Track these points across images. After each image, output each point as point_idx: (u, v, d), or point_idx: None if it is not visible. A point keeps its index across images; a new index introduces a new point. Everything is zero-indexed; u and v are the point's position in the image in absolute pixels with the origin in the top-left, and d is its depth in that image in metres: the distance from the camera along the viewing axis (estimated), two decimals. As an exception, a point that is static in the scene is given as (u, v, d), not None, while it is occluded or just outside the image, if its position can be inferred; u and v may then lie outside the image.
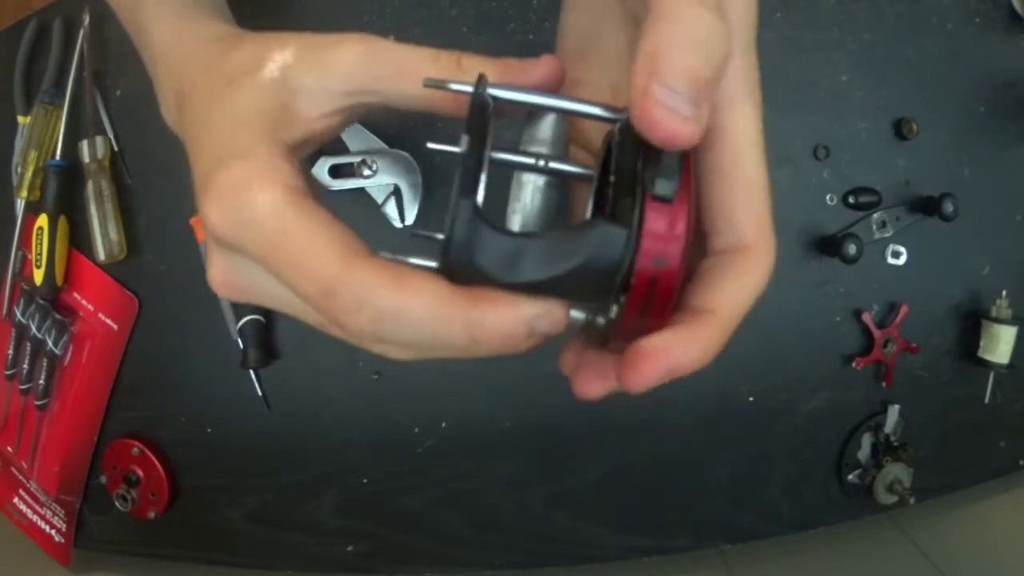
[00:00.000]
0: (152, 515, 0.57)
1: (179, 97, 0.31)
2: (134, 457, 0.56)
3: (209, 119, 0.28)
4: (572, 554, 0.56)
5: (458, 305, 0.22)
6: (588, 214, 0.27)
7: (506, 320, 0.22)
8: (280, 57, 0.28)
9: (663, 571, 0.57)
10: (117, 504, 0.57)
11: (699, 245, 0.26)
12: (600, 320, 0.24)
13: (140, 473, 0.56)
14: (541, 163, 0.26)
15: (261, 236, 0.24)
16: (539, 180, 0.26)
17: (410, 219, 0.50)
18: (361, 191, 0.50)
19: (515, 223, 0.26)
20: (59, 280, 0.55)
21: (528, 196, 0.26)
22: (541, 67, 0.26)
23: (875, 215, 0.53)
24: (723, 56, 0.23)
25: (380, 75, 0.28)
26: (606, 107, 0.25)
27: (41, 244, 0.53)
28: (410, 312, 0.22)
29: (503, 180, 0.26)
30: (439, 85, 0.25)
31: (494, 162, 0.25)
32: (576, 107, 0.25)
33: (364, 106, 0.29)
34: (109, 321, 0.56)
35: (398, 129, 0.51)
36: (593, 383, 0.25)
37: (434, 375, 0.54)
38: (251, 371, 0.53)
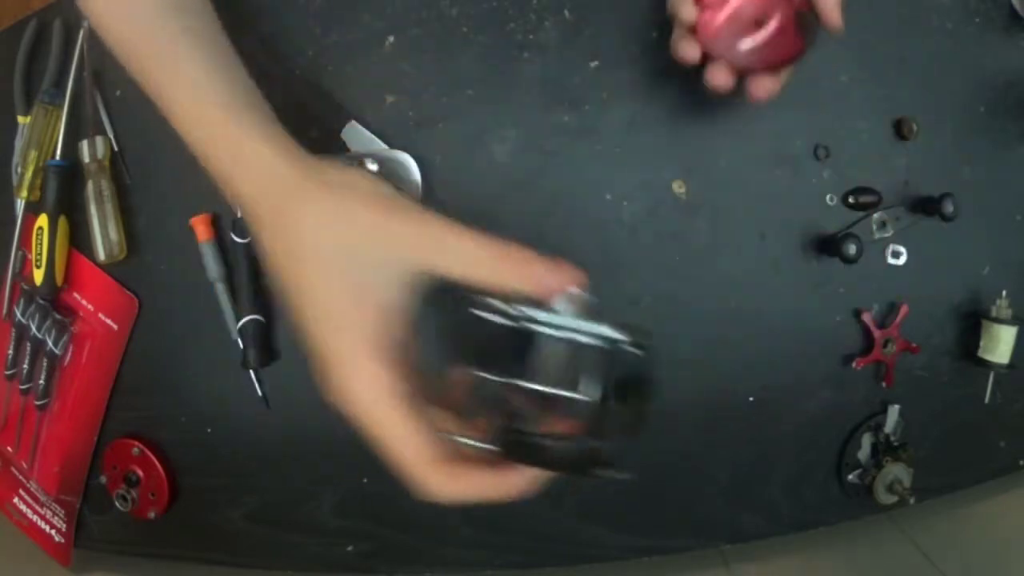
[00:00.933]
0: (152, 515, 0.57)
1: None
2: (134, 457, 0.56)
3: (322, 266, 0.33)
4: (572, 554, 0.56)
5: None
6: None
7: None
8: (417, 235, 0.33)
9: (663, 571, 0.57)
10: (117, 504, 0.57)
11: None
12: None
13: (140, 473, 0.56)
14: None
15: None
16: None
17: (410, 219, 0.50)
18: (361, 191, 0.50)
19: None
20: (59, 280, 0.55)
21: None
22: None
23: (875, 215, 0.53)
24: None
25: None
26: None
27: (41, 244, 0.53)
28: None
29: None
30: None
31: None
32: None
33: None
34: (109, 321, 0.56)
35: (398, 129, 0.51)
36: None
37: (434, 375, 0.54)
38: (251, 371, 0.53)
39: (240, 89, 0.38)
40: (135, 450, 0.56)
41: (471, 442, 0.31)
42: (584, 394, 0.29)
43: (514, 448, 0.30)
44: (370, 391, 0.32)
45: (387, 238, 0.32)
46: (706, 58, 0.42)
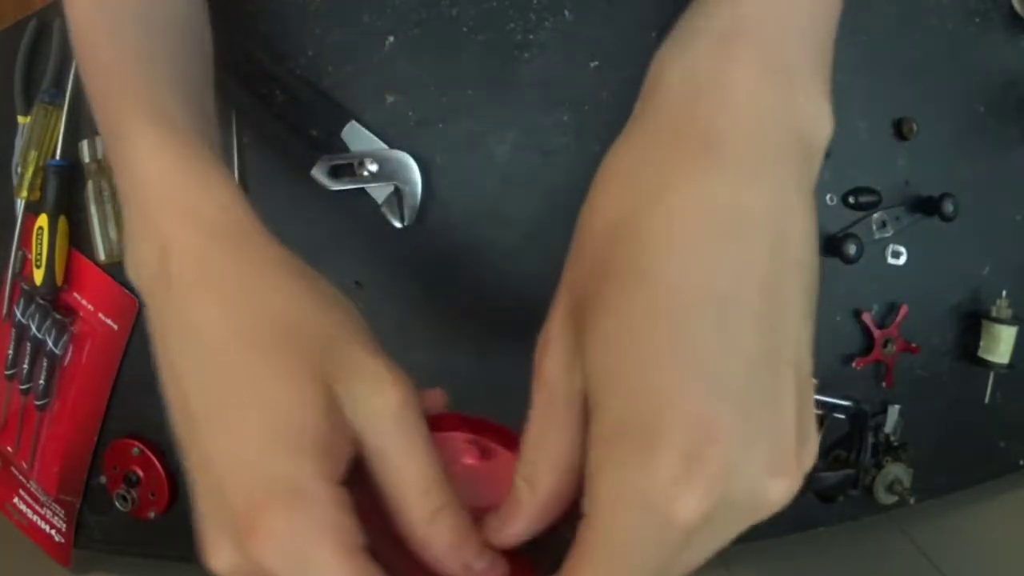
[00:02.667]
0: (152, 515, 0.57)
1: (163, 265, 0.26)
2: (134, 457, 0.56)
3: (224, 370, 0.24)
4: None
5: None
6: None
7: None
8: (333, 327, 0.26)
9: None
10: (117, 504, 0.57)
11: None
12: None
13: (140, 473, 0.56)
14: None
15: None
16: None
17: (410, 219, 0.50)
18: (361, 191, 0.50)
19: None
20: (59, 280, 0.55)
21: None
22: None
23: (875, 215, 0.53)
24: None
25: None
26: None
27: (41, 244, 0.53)
28: None
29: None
30: None
31: None
32: None
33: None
34: (109, 321, 0.56)
35: (398, 129, 0.51)
36: None
37: (434, 375, 0.53)
38: (251, 371, 0.53)
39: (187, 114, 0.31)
40: (135, 450, 0.56)
41: None
42: None
43: None
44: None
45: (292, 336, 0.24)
46: None
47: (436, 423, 0.27)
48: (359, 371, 0.25)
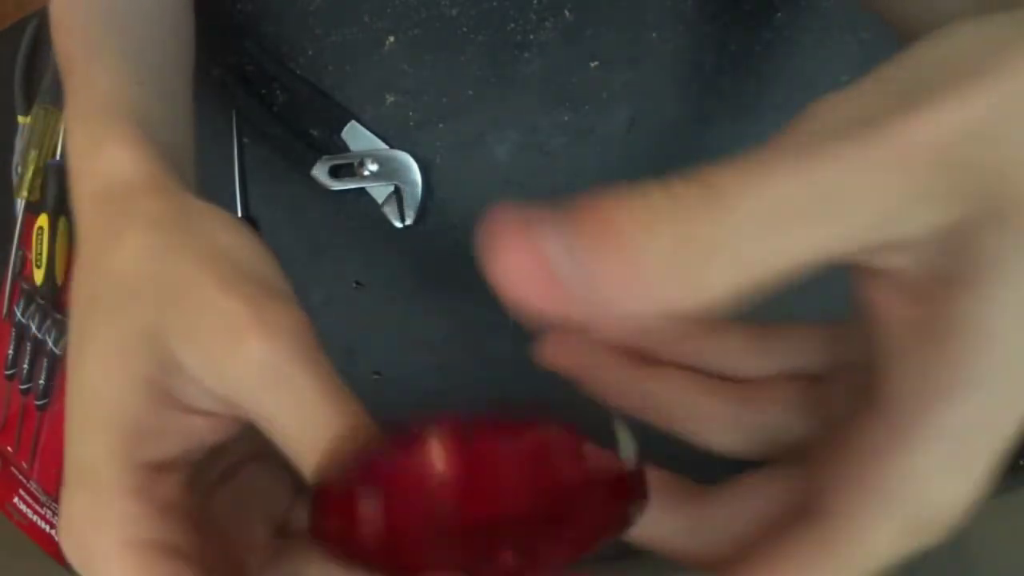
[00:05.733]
0: (152, 515, 0.57)
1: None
2: (134, 457, 0.56)
3: (71, 341, 0.22)
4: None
5: None
6: None
7: None
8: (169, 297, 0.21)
9: (663, 571, 0.57)
10: (117, 504, 0.57)
11: None
12: None
13: (140, 473, 0.56)
14: None
15: None
16: None
17: (410, 219, 0.50)
18: (361, 191, 0.50)
19: None
20: (59, 280, 0.55)
21: None
22: None
23: (875, 215, 0.53)
24: None
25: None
26: None
27: (41, 244, 0.53)
28: None
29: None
30: None
31: None
32: None
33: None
34: (109, 321, 0.56)
35: (398, 129, 0.51)
36: None
37: (434, 375, 0.54)
38: (251, 371, 0.53)
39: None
40: (135, 450, 0.56)
41: None
42: None
43: None
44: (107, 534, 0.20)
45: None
46: None
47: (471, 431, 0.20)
48: (206, 323, 0.20)
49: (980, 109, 0.14)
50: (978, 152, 0.14)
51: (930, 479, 0.16)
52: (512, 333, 0.53)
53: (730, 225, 0.14)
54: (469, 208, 0.51)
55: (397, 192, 0.50)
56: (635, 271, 0.14)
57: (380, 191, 0.50)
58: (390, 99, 0.51)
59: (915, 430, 0.16)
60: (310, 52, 0.51)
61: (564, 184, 0.51)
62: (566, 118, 0.51)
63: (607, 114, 0.51)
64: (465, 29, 0.50)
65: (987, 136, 0.14)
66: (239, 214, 0.51)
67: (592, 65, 0.51)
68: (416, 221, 0.50)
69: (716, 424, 0.23)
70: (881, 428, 0.17)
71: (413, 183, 0.50)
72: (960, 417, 0.16)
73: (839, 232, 0.15)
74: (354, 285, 0.52)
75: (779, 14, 0.52)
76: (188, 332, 0.20)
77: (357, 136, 0.50)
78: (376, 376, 0.54)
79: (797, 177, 0.14)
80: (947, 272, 0.15)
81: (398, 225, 0.50)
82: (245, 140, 0.52)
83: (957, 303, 0.15)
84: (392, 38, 0.51)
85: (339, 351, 0.53)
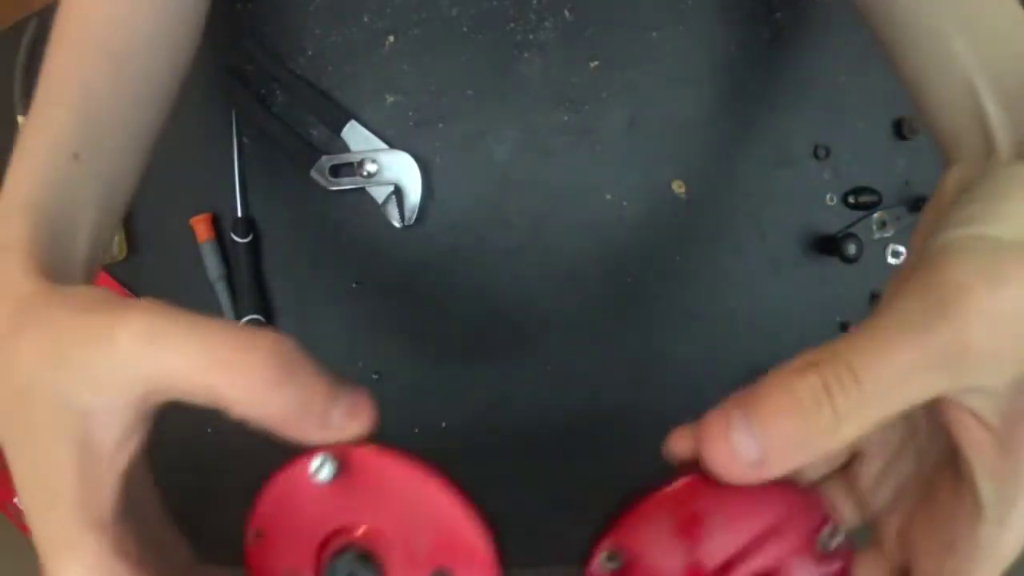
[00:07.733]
0: (152, 515, 0.57)
1: None
2: (134, 457, 0.56)
3: (17, 439, 0.25)
4: (572, 554, 0.56)
5: None
6: None
7: None
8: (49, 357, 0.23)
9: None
10: (117, 504, 0.57)
11: None
12: None
13: (140, 473, 0.56)
14: None
15: None
16: None
17: (410, 219, 0.50)
18: (361, 191, 0.50)
19: None
20: (59, 280, 0.55)
21: None
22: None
23: (875, 215, 0.53)
24: None
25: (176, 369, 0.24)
26: None
27: (41, 244, 0.53)
28: None
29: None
30: None
31: None
32: None
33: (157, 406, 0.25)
34: (109, 321, 0.56)
35: (398, 129, 0.51)
36: None
37: (434, 375, 0.54)
38: (251, 371, 0.53)
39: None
40: (135, 450, 0.56)
41: None
42: None
43: None
44: None
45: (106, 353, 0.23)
46: None
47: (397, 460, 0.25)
48: (99, 363, 0.23)
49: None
50: None
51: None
52: (512, 332, 0.53)
53: (864, 396, 0.20)
54: (469, 208, 0.51)
55: (397, 192, 0.50)
56: (806, 433, 0.21)
57: (380, 191, 0.50)
58: (390, 99, 0.51)
59: (1005, 520, 0.22)
60: (310, 52, 0.51)
61: (564, 184, 0.51)
62: (566, 118, 0.51)
63: (607, 114, 0.51)
64: (465, 29, 0.50)
65: None
66: (239, 214, 0.51)
67: (592, 65, 0.51)
68: (416, 221, 0.50)
69: None
70: (977, 519, 0.23)
71: (413, 183, 0.50)
72: None
73: (939, 388, 0.21)
74: (354, 285, 0.52)
75: (779, 14, 0.52)
76: (85, 386, 0.24)
77: (357, 136, 0.50)
78: (376, 376, 0.54)
79: (911, 352, 0.20)
80: (1017, 406, 0.21)
81: (398, 225, 0.50)
82: (245, 140, 0.52)
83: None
84: (392, 38, 0.51)
85: (340, 352, 0.53)
